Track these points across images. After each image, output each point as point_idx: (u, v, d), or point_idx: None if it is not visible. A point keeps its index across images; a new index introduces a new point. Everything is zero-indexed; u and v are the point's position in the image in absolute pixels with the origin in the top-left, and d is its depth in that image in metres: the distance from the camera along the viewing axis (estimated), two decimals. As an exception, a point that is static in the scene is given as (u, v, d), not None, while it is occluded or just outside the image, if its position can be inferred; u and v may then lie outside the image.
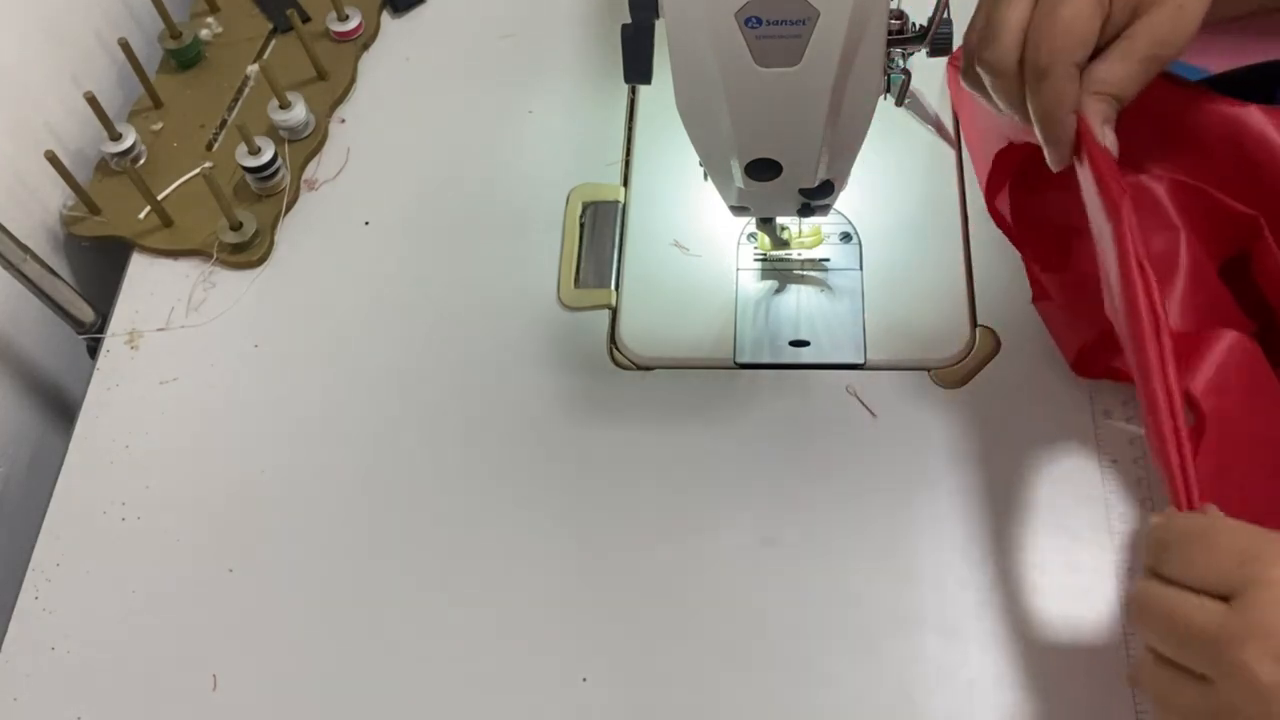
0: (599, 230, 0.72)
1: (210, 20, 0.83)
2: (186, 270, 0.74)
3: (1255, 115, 0.57)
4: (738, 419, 0.65)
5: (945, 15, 0.51)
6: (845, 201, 0.65)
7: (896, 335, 0.66)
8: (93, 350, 0.72)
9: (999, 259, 0.67)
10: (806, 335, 0.67)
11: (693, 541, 0.61)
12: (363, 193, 0.76)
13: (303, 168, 0.76)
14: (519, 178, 0.75)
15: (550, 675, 0.58)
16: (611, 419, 0.65)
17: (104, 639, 0.62)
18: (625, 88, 0.78)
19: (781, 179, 0.54)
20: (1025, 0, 0.50)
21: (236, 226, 0.72)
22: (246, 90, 0.80)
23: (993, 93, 0.53)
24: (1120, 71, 0.50)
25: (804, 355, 0.66)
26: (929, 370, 0.65)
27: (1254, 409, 0.52)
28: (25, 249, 0.68)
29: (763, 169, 0.54)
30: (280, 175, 0.74)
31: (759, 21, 0.46)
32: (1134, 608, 0.44)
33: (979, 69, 0.52)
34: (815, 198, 0.58)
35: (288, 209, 0.75)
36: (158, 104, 0.79)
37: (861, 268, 0.68)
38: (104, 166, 0.77)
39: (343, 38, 0.81)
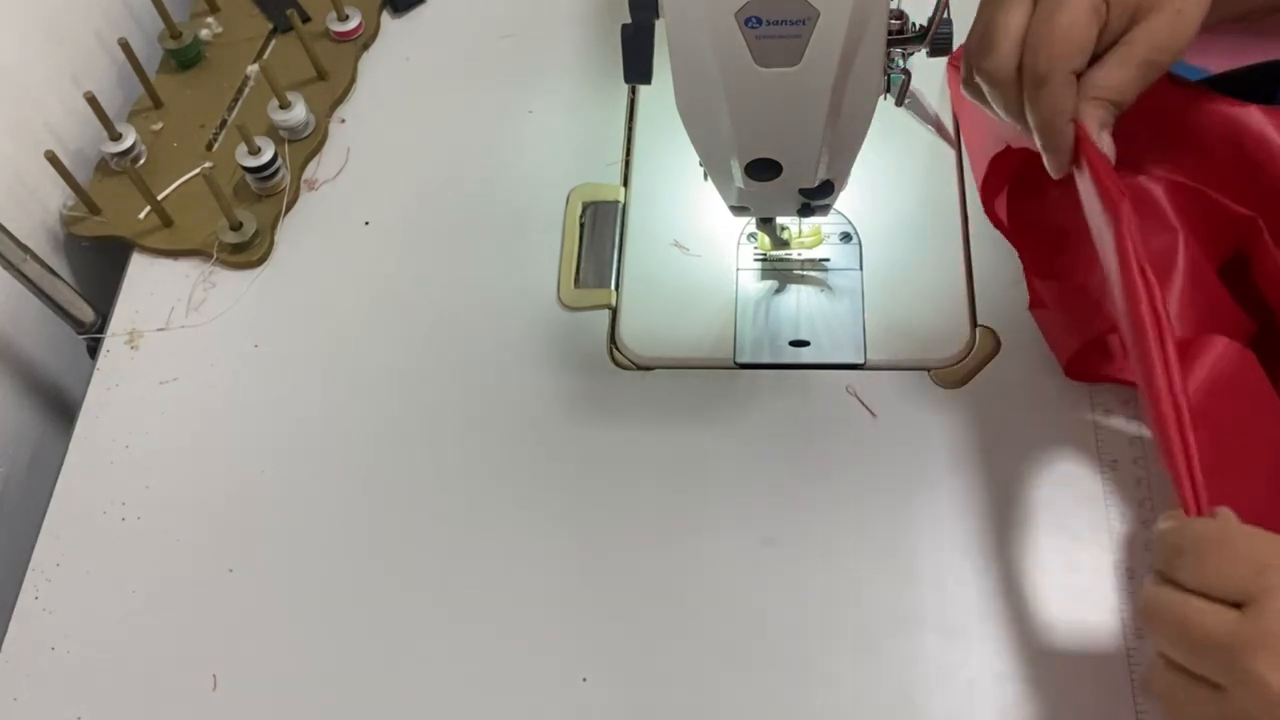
0: (599, 230, 0.72)
1: (210, 20, 0.83)
2: (186, 270, 0.74)
3: (1255, 115, 0.57)
4: (738, 419, 0.65)
5: (945, 15, 0.51)
6: (845, 201, 0.65)
7: (896, 335, 0.66)
8: (93, 350, 0.72)
9: (999, 259, 0.67)
10: (806, 335, 0.67)
11: (693, 541, 0.61)
12: (363, 193, 0.76)
13: (303, 168, 0.76)
14: (519, 178, 0.75)
15: (550, 675, 0.58)
16: (611, 419, 0.65)
17: (104, 639, 0.62)
18: (625, 88, 0.78)
19: (781, 179, 0.54)
20: (1023, 8, 0.50)
21: (236, 226, 0.72)
22: (246, 90, 0.80)
23: (992, 101, 0.53)
24: (1118, 77, 0.50)
25: (804, 355, 0.66)
26: (929, 370, 0.65)
27: (1246, 413, 0.52)
28: (25, 249, 0.68)
29: (763, 169, 0.54)
30: (280, 175, 0.74)
31: (759, 21, 0.46)
32: (1145, 613, 0.44)
33: (978, 78, 0.52)
34: (815, 198, 0.58)
35: (288, 209, 0.75)
36: (158, 104, 0.79)
37: (861, 268, 0.68)
38: (104, 166, 0.77)
39: (343, 38, 0.81)
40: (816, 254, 0.69)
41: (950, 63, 0.71)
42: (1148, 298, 0.47)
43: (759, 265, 0.69)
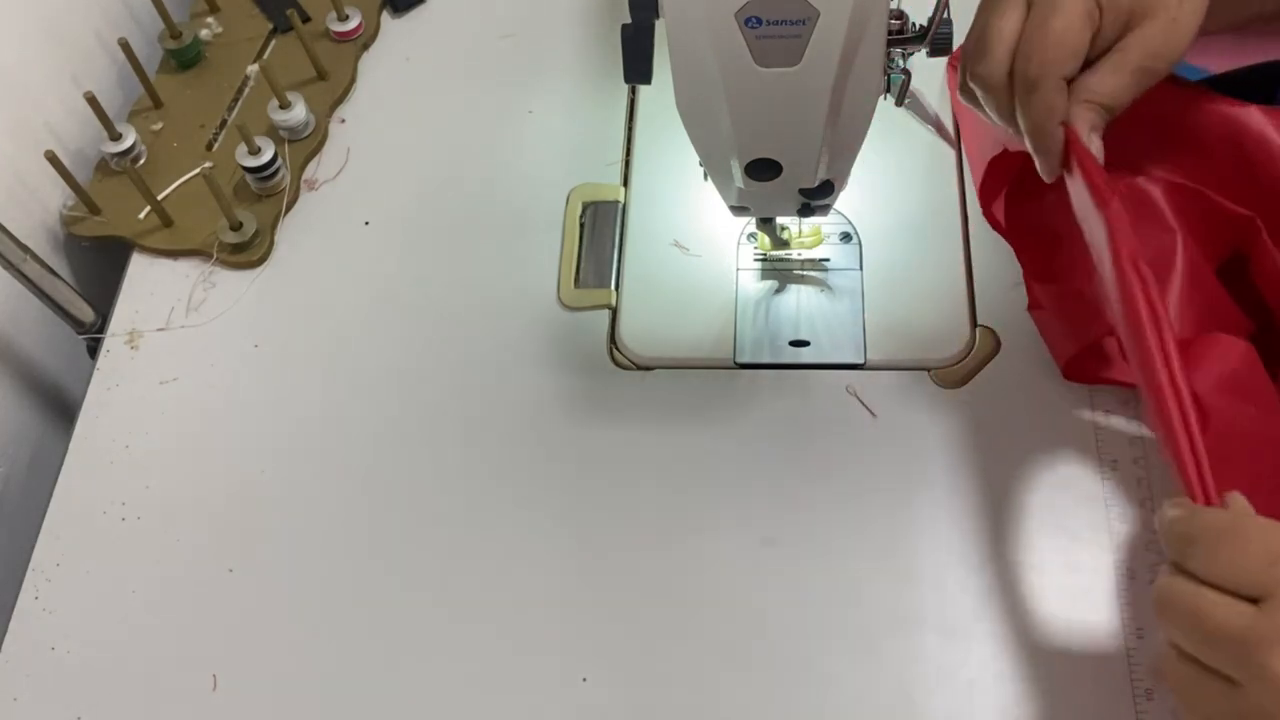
0: (599, 230, 0.72)
1: (210, 20, 0.83)
2: (186, 270, 0.74)
3: (1255, 116, 0.57)
4: (738, 419, 0.65)
5: (945, 15, 0.51)
6: (845, 201, 0.65)
7: (896, 335, 0.66)
8: (93, 350, 0.72)
9: (999, 259, 0.67)
10: (806, 335, 0.67)
11: (693, 541, 0.61)
12: (363, 193, 0.76)
13: (303, 168, 0.76)
14: (519, 178, 0.75)
15: (550, 675, 0.58)
16: (611, 419, 0.65)
17: (104, 639, 0.62)
18: (625, 88, 0.78)
19: (781, 179, 0.54)
20: (1017, 13, 0.50)
21: (236, 226, 0.72)
22: (246, 90, 0.80)
23: (985, 106, 0.53)
24: (1111, 83, 0.50)
25: (804, 355, 0.66)
26: (929, 370, 0.65)
27: (1251, 412, 0.52)
28: (25, 249, 0.68)
29: (763, 169, 0.54)
30: (280, 175, 0.74)
31: (759, 21, 0.46)
32: (1159, 604, 0.43)
33: (971, 83, 0.52)
34: (815, 198, 0.58)
35: (288, 209, 0.75)
36: (158, 104, 0.79)
37: (861, 268, 0.68)
38: (104, 166, 0.77)
39: (343, 38, 0.81)
40: (816, 254, 0.69)
41: (950, 63, 0.71)
42: (1141, 288, 0.46)
43: (759, 265, 0.69)
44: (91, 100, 0.72)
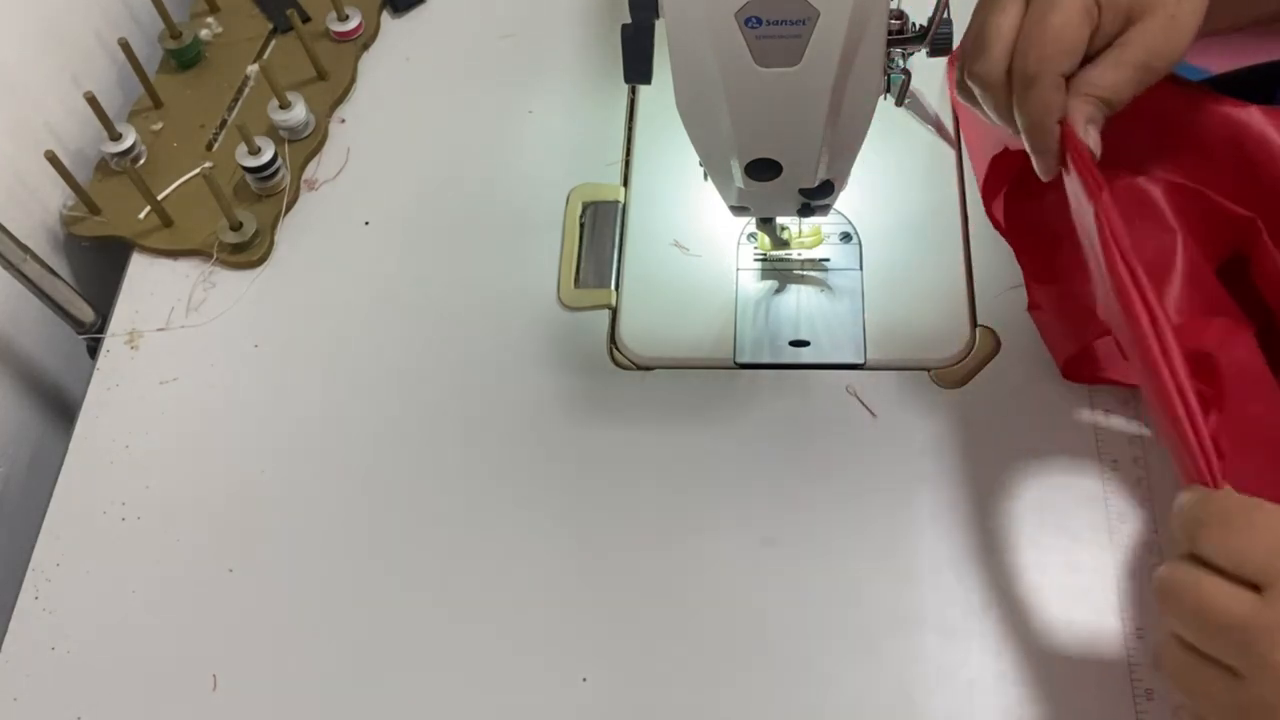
0: (599, 230, 0.72)
1: (210, 20, 0.83)
2: (186, 270, 0.74)
3: (1256, 116, 0.57)
4: (738, 419, 0.65)
5: (945, 15, 0.51)
6: (845, 201, 0.65)
7: (896, 335, 0.66)
8: (93, 350, 0.72)
9: (999, 259, 0.67)
10: (806, 335, 0.67)
11: (693, 541, 0.61)
12: (363, 193, 0.76)
13: (303, 168, 0.76)
14: (519, 178, 0.75)
15: (550, 675, 0.58)
16: (611, 419, 0.65)
17: (104, 639, 0.62)
18: (625, 88, 0.78)
19: (781, 179, 0.54)
20: (1015, 10, 0.50)
21: (236, 226, 0.72)
22: (246, 90, 0.80)
23: (983, 103, 0.53)
24: (1111, 77, 0.50)
25: (804, 355, 0.66)
26: (929, 370, 0.65)
27: (1249, 397, 0.52)
28: (25, 249, 0.68)
29: (763, 169, 0.54)
30: (280, 175, 0.74)
31: (759, 21, 0.46)
32: (1161, 590, 0.43)
33: (969, 80, 0.52)
34: (815, 198, 0.58)
35: (288, 209, 0.75)
36: (158, 104, 0.79)
37: (861, 268, 0.68)
38: (104, 166, 0.77)
39: (343, 38, 0.81)
40: (816, 254, 0.69)
41: (951, 61, 0.71)
42: (1130, 278, 0.46)
43: (759, 265, 0.69)
44: (91, 100, 0.72)
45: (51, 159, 0.70)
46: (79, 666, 0.61)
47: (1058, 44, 0.49)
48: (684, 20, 0.47)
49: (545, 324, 0.69)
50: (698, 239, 0.70)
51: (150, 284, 0.73)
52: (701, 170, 0.57)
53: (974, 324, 0.66)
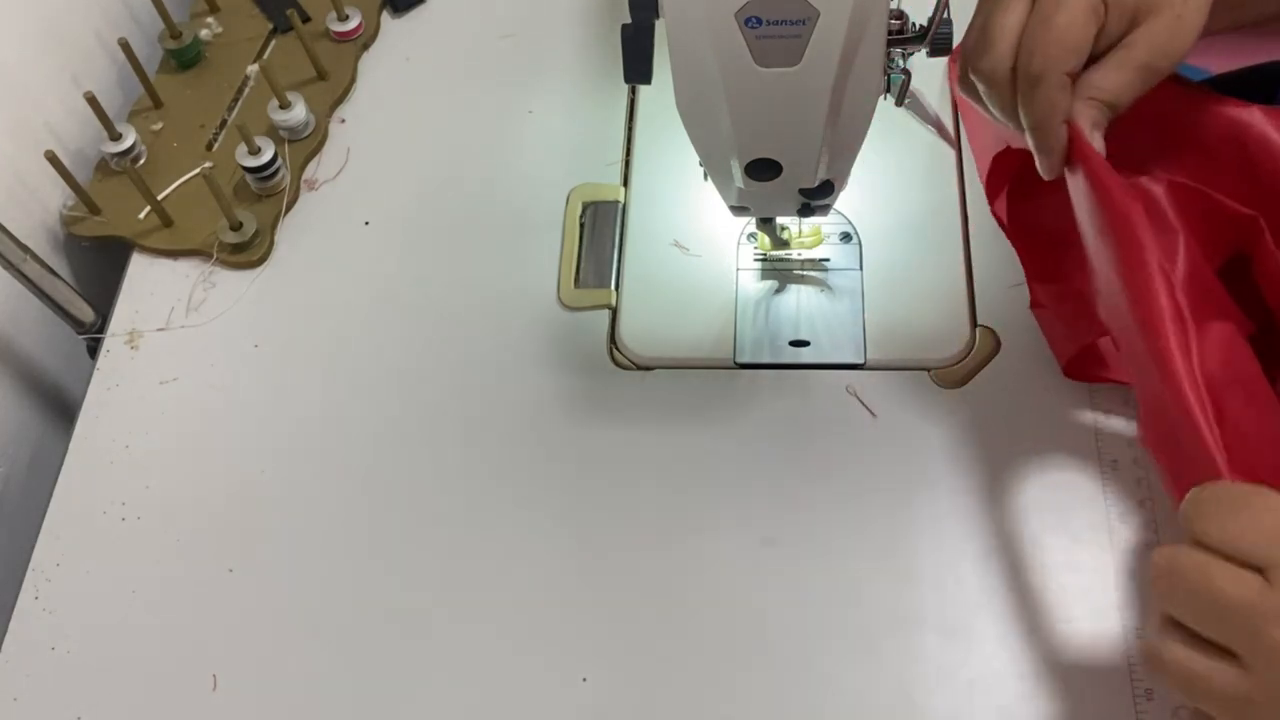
0: (599, 230, 0.72)
1: (210, 20, 0.83)
2: (186, 270, 0.74)
3: (1257, 116, 0.57)
4: (738, 419, 0.64)
5: (945, 15, 0.51)
6: (845, 201, 0.65)
7: (896, 335, 0.66)
8: (93, 350, 0.72)
9: (999, 259, 0.67)
10: (806, 335, 0.67)
11: (693, 541, 0.61)
12: (363, 193, 0.76)
13: (303, 168, 0.76)
14: (519, 178, 0.75)
15: (550, 675, 0.58)
16: (611, 419, 0.65)
17: (104, 639, 0.62)
18: (625, 88, 0.78)
19: (781, 179, 0.54)
20: (1020, 8, 0.50)
21: (236, 226, 0.72)
22: (246, 90, 0.80)
23: (987, 101, 0.53)
24: (1115, 79, 0.50)
25: (804, 355, 0.66)
26: (929, 370, 0.65)
27: (1244, 402, 0.52)
28: (25, 249, 0.68)
29: (763, 169, 0.54)
30: (280, 175, 0.74)
31: (759, 21, 0.46)
32: (1161, 573, 0.42)
33: (973, 78, 0.52)
34: (815, 198, 0.58)
35: (288, 209, 0.75)
36: (158, 104, 0.79)
37: (861, 268, 0.68)
38: (104, 166, 0.77)
39: (343, 38, 0.81)
40: (816, 254, 0.69)
41: (952, 59, 0.71)
42: (1165, 290, 0.47)
43: (759, 265, 0.69)
44: (91, 100, 0.72)
45: (51, 159, 0.70)
46: (79, 666, 0.61)
47: (1063, 43, 0.48)
48: (684, 20, 0.47)
49: (545, 324, 0.69)
50: (698, 239, 0.70)
51: (150, 284, 0.73)
52: (701, 170, 0.57)
53: (974, 324, 0.66)
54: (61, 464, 0.67)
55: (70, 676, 0.61)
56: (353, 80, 0.81)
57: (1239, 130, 0.57)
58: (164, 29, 0.79)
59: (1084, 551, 0.59)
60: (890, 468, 0.62)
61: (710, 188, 0.58)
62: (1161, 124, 0.59)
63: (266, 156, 0.73)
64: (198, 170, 0.75)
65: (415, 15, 0.84)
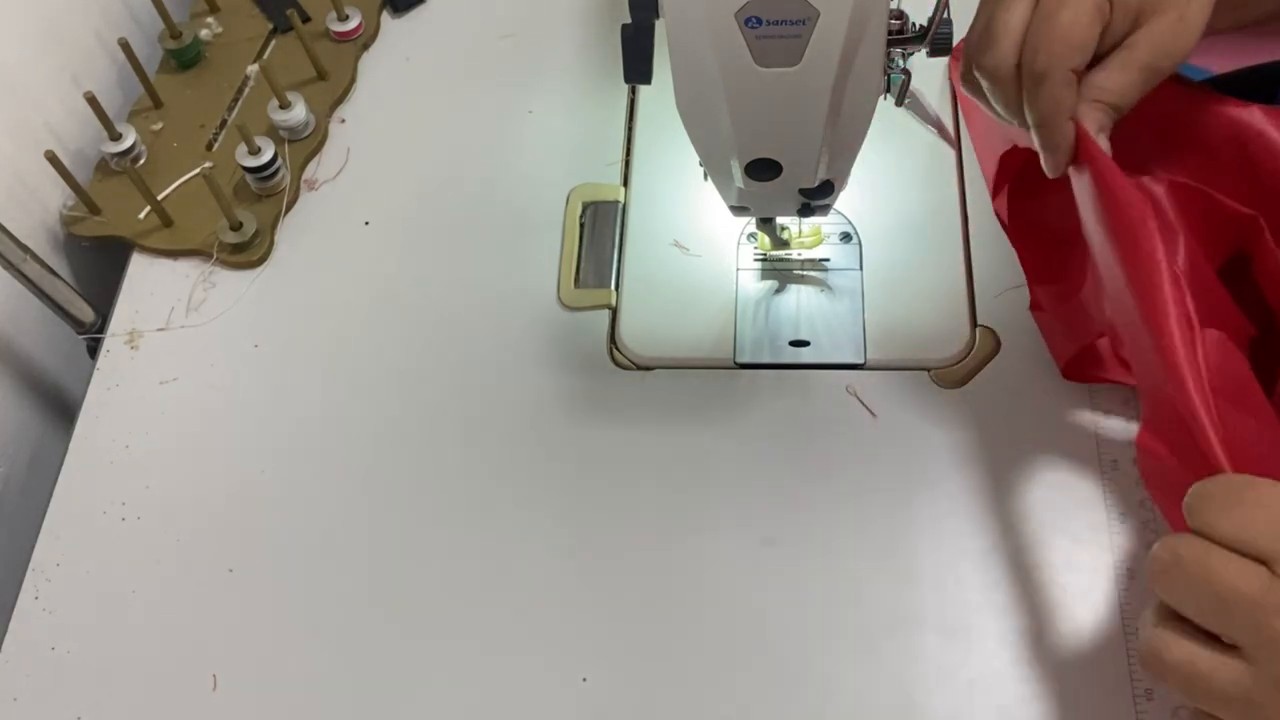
0: (599, 230, 0.72)
1: (210, 20, 0.83)
2: (186, 270, 0.74)
3: (1258, 116, 0.57)
4: (738, 419, 0.64)
5: (945, 15, 0.51)
6: (845, 201, 0.65)
7: (896, 335, 0.66)
8: (93, 350, 0.72)
9: (999, 259, 0.67)
10: (806, 335, 0.67)
11: (693, 541, 0.61)
12: (363, 193, 0.76)
13: (303, 168, 0.76)
14: (519, 178, 0.75)
15: (550, 675, 0.58)
16: (611, 419, 0.65)
17: (104, 639, 0.62)
18: (625, 88, 0.78)
19: (781, 179, 0.54)
20: (1024, 5, 0.50)
21: (236, 226, 0.72)
22: (246, 90, 0.80)
23: (991, 98, 0.53)
24: (1119, 80, 0.50)
25: (804, 355, 0.66)
26: (929, 370, 0.65)
27: (1239, 407, 0.52)
28: (25, 249, 0.68)
29: (763, 169, 0.54)
30: (280, 175, 0.74)
31: (759, 21, 0.46)
32: (1162, 565, 0.41)
33: (977, 74, 0.52)
34: (815, 198, 0.58)
35: (288, 209, 0.75)
36: (158, 104, 0.79)
37: (861, 268, 0.68)
38: (104, 166, 0.77)
39: (343, 38, 0.81)
40: (816, 254, 0.69)
41: (954, 56, 0.71)
42: (1174, 298, 0.47)
43: (759, 265, 0.69)
44: (91, 100, 0.72)
45: (51, 159, 0.70)
46: (79, 666, 0.61)
47: (1067, 40, 0.48)
48: (684, 20, 0.47)
49: (545, 324, 0.69)
50: (698, 239, 0.70)
51: (150, 284, 0.73)
52: (701, 170, 0.57)
53: (974, 324, 0.66)
54: (61, 464, 0.67)
55: (70, 676, 0.61)
56: (353, 80, 0.81)
57: (1240, 130, 0.57)
58: (164, 29, 0.79)
59: (1084, 551, 0.59)
60: (890, 468, 0.62)
61: (710, 188, 0.58)
62: (1162, 124, 0.59)
63: (266, 156, 0.73)
64: (198, 170, 0.75)
65: (415, 15, 0.84)
